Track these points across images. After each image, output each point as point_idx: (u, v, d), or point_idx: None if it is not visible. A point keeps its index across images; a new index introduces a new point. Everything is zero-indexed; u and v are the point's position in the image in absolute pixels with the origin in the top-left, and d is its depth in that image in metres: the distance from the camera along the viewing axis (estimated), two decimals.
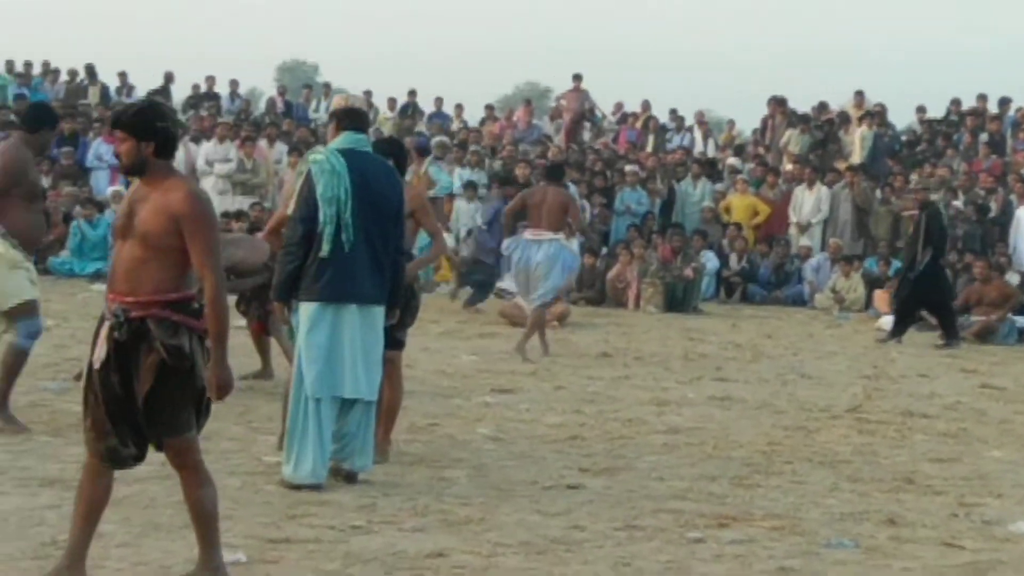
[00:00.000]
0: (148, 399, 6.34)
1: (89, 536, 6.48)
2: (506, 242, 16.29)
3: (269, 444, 9.95)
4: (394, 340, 9.60)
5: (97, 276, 20.39)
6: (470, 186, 24.87)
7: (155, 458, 9.27)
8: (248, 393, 12.06)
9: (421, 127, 30.98)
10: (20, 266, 10.01)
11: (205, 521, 6.53)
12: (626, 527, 8.27)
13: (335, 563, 7.19)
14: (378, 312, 8.90)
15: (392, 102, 32.89)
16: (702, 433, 11.45)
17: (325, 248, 8.69)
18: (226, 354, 6.38)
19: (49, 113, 10.72)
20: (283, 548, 7.40)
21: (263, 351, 12.91)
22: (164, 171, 6.45)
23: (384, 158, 9.23)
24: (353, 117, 9.01)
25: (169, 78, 32.19)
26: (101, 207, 22.13)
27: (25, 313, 10.03)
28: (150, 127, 6.40)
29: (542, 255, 15.73)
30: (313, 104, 32.86)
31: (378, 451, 9.46)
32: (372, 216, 8.74)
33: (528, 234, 15.93)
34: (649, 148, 30.46)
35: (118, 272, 6.46)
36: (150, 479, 8.71)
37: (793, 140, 28.80)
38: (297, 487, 8.64)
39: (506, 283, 21.28)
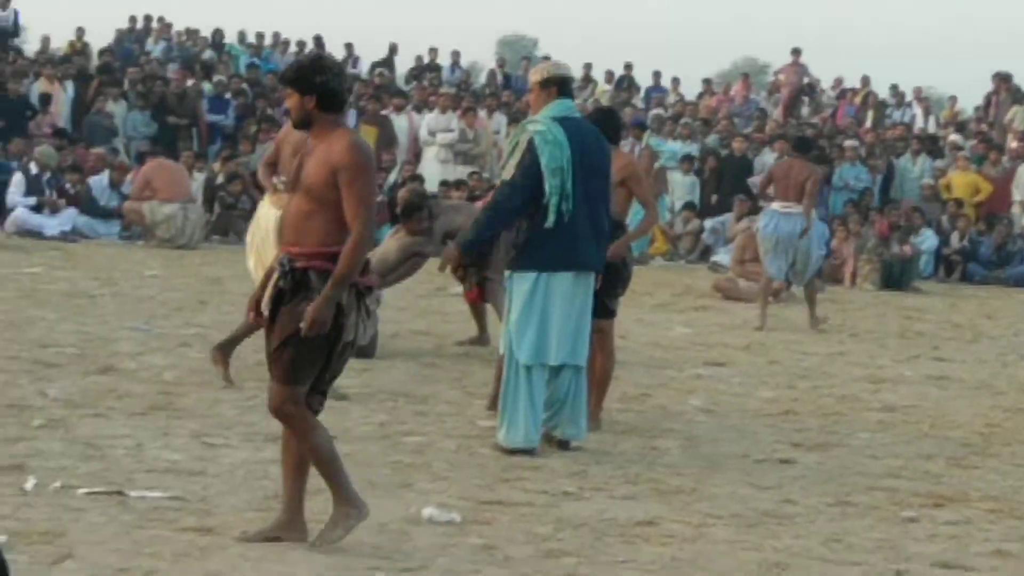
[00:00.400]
0: (282, 342, 6.44)
1: (300, 488, 6.66)
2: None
3: (484, 408, 10.10)
4: (605, 309, 9.68)
5: None
6: (687, 159, 24.81)
7: (375, 418, 9.58)
8: (464, 358, 12.27)
9: (637, 101, 30.94)
10: None
11: (319, 469, 6.61)
12: (838, 503, 8.22)
13: (546, 527, 7.29)
14: (591, 279, 8.96)
15: (609, 75, 32.91)
16: (918, 412, 11.30)
17: (550, 219, 8.71)
18: (337, 297, 6.37)
19: None
20: (496, 510, 7.52)
21: (479, 317, 13.07)
22: (330, 125, 6.54)
23: (592, 125, 9.25)
24: (566, 84, 9.08)
25: (393, 49, 32.63)
26: None
27: None
28: (310, 81, 6.52)
29: (796, 227, 15.81)
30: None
31: (590, 419, 9.55)
32: (590, 184, 8.78)
33: (777, 206, 15.99)
34: (868, 124, 30.02)
35: (287, 224, 6.62)
36: (368, 439, 8.95)
37: (1019, 117, 28.11)
38: (510, 452, 8.76)
39: (720, 257, 21.21)
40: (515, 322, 8.83)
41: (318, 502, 6.86)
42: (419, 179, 21.85)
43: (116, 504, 7.09)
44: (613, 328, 10.01)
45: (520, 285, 8.86)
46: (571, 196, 8.71)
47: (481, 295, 12.99)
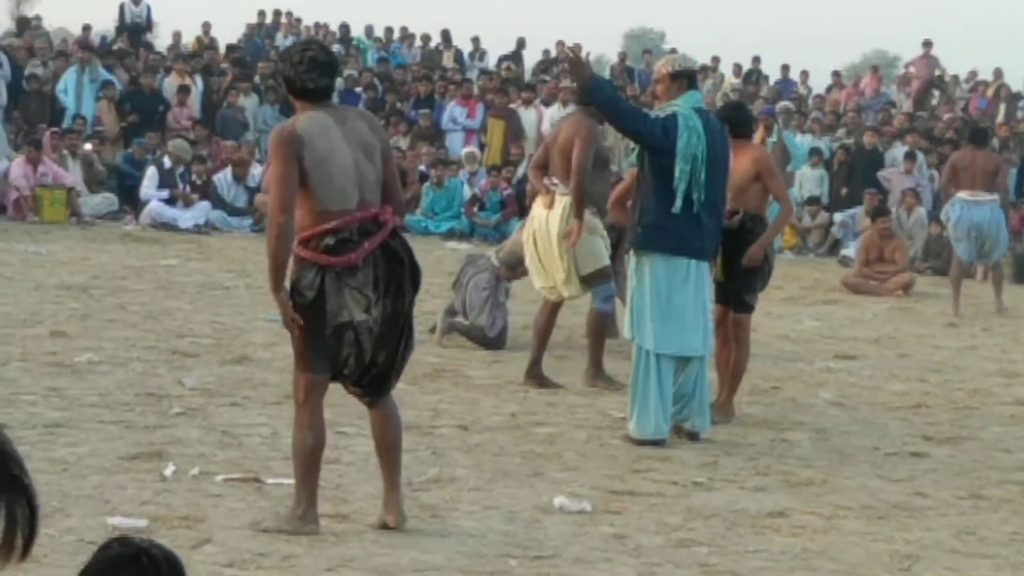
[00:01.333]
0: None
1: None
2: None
3: (614, 399, 10.14)
4: (744, 304, 9.79)
5: (450, 234, 20.97)
6: (815, 153, 24.62)
7: (506, 408, 9.66)
8: None
9: (765, 93, 30.74)
10: (598, 233, 10.54)
11: (293, 463, 6.67)
12: (970, 496, 8.17)
13: (677, 517, 7.32)
14: (708, 268, 9.04)
15: (737, 68, 32.75)
16: None
17: (677, 204, 8.74)
18: (275, 289, 6.50)
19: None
20: (627, 500, 7.56)
21: None
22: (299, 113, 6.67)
23: (719, 120, 9.27)
24: (695, 77, 9.22)
25: (521, 44, 32.71)
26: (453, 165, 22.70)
27: (600, 279, 10.55)
28: (284, 72, 6.69)
29: (985, 216, 16.28)
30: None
31: (721, 412, 9.56)
32: (716, 176, 8.84)
33: (965, 195, 16.30)
34: (1000, 117, 29.58)
35: None
36: (500, 429, 9.03)
37: None
38: (641, 443, 8.80)
39: (849, 251, 21.04)
40: (642, 311, 8.86)
41: (449, 491, 6.92)
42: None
43: (253, 491, 7.23)
44: (749, 322, 10.03)
45: (647, 268, 8.85)
46: (703, 186, 8.73)
47: None
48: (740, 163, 9.64)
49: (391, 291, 6.49)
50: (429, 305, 13.67)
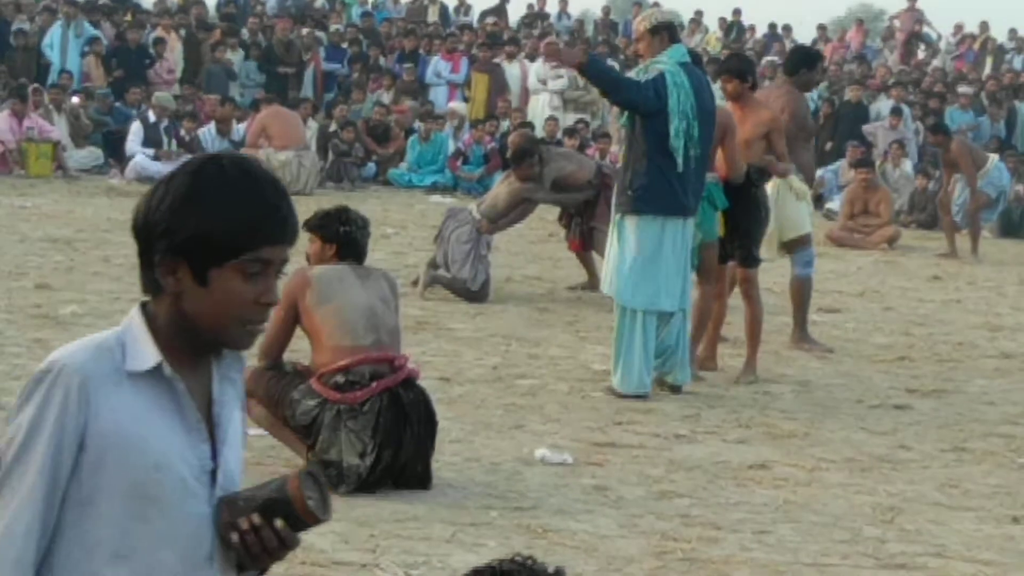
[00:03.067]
0: None
1: None
2: None
3: (597, 352, 10.14)
4: (751, 258, 9.74)
5: (434, 188, 20.92)
6: None
7: (488, 361, 9.66)
8: (576, 303, 12.30)
9: (751, 47, 30.64)
10: (805, 199, 10.62)
11: None
12: (954, 449, 8.19)
13: (659, 469, 7.33)
14: (692, 224, 8.97)
15: (723, 22, 32.64)
16: None
17: (679, 163, 8.65)
18: None
19: (806, 55, 11.43)
20: (608, 452, 7.58)
21: (586, 263, 13.05)
22: None
23: (701, 72, 9.16)
24: (674, 29, 9.12)
25: None
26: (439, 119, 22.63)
27: (801, 244, 10.65)
28: (334, 231, 6.82)
29: None
30: None
31: (747, 370, 9.61)
32: (705, 129, 8.77)
33: None
34: (987, 70, 29.56)
35: None
36: (482, 381, 9.04)
37: None
38: (624, 396, 8.79)
39: (834, 204, 21.03)
40: (629, 269, 8.79)
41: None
42: (529, 125, 21.86)
43: None
44: (757, 276, 9.94)
45: (636, 230, 8.78)
46: (697, 142, 8.66)
47: (583, 244, 12.94)
48: (755, 118, 9.60)
49: (389, 443, 6.46)
50: (412, 258, 13.70)
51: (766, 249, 10.40)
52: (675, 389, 9.06)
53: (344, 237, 6.81)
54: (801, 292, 10.89)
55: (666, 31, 8.95)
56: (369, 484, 6.48)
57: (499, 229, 12.63)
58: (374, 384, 6.46)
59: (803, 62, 10.95)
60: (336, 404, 6.47)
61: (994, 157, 18.96)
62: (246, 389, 6.49)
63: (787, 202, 10.37)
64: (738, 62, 10.27)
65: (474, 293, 11.90)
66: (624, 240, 8.87)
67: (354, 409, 6.46)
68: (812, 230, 10.80)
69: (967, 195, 18.27)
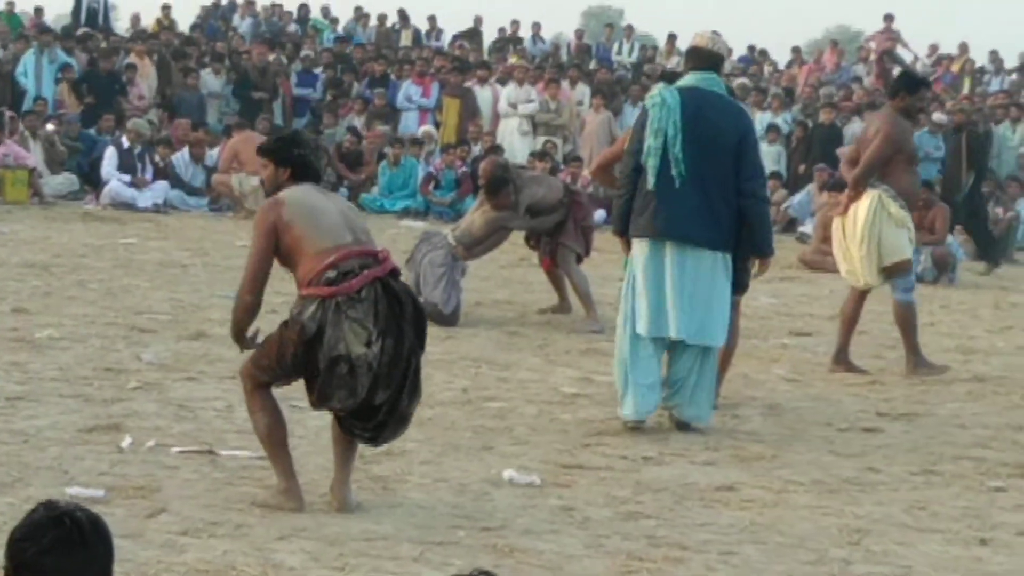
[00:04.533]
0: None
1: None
2: None
3: (566, 376, 10.20)
4: (739, 283, 9.24)
5: (406, 212, 20.96)
6: (772, 129, 24.65)
7: (458, 384, 9.69)
8: (546, 327, 12.35)
9: (728, 70, 30.79)
10: (904, 225, 10.72)
11: (261, 443, 6.82)
12: (923, 472, 8.20)
13: (626, 490, 7.37)
14: (706, 256, 8.62)
15: None
16: (1009, 383, 11.17)
17: (650, 181, 8.56)
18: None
19: (908, 81, 11.55)
20: (576, 473, 7.62)
21: (558, 286, 13.10)
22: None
23: (731, 97, 9.03)
24: (697, 56, 8.87)
25: (478, 22, 32.72)
26: (415, 141, 22.63)
27: (901, 271, 10.80)
28: (288, 153, 6.82)
29: None
30: (616, 46, 32.94)
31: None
32: (706, 154, 8.50)
33: None
34: (965, 91, 29.69)
35: None
36: (451, 403, 9.09)
37: None
38: (625, 424, 8.68)
39: (806, 227, 21.12)
40: (627, 291, 8.73)
41: (400, 464, 6.97)
42: (499, 149, 21.95)
43: (208, 462, 7.28)
44: (740, 304, 9.62)
45: (632, 250, 8.74)
46: (680, 161, 8.48)
47: (553, 263, 12.99)
48: None
49: (391, 330, 6.46)
50: None
51: (867, 274, 10.51)
52: (681, 426, 8.81)
53: (299, 160, 6.82)
54: (906, 319, 11.07)
55: (691, 58, 8.96)
56: (380, 378, 6.42)
57: (474, 256, 12.68)
58: (365, 272, 6.48)
59: (903, 87, 11.05)
60: (334, 297, 6.46)
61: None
62: (253, 384, 6.59)
63: (886, 227, 10.54)
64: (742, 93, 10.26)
65: (445, 317, 11.94)
66: (626, 262, 8.91)
67: (352, 298, 6.45)
68: (911, 256, 10.95)
69: (927, 253, 18.28)
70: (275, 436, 6.68)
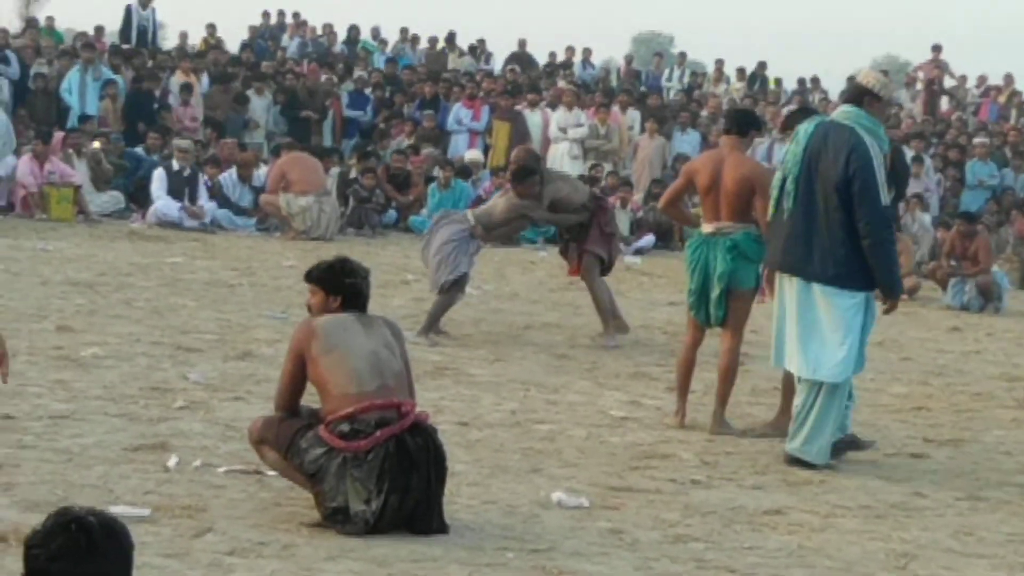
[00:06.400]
0: None
1: None
2: None
3: (615, 399, 10.20)
4: None
5: None
6: None
7: (507, 406, 9.71)
8: (596, 350, 12.34)
9: (779, 99, 30.75)
10: None
11: None
12: (969, 498, 8.20)
13: (674, 513, 7.36)
14: (816, 290, 8.51)
15: (741, 72, 32.74)
16: None
17: (770, 212, 8.75)
18: None
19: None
20: (624, 496, 7.60)
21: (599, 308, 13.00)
22: None
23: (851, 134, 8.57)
24: (847, 89, 8.93)
25: (522, 45, 32.80)
26: (463, 170, 22.67)
27: None
28: (339, 283, 6.86)
29: None
30: (666, 73, 32.99)
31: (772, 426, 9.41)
32: (818, 188, 8.46)
33: None
34: (1012, 121, 29.62)
35: None
36: (500, 425, 9.09)
37: None
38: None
39: None
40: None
41: (449, 485, 6.97)
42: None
43: (254, 482, 7.28)
44: None
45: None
46: (790, 194, 8.51)
47: (578, 271, 13.00)
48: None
49: (397, 487, 6.47)
50: (427, 305, 13.76)
51: None
52: (788, 459, 8.64)
53: (350, 289, 6.86)
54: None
55: (847, 92, 8.93)
56: (379, 530, 6.48)
57: (491, 239, 12.86)
58: (378, 433, 6.47)
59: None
60: (341, 452, 6.50)
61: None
62: (259, 436, 6.65)
63: None
64: (803, 117, 9.86)
65: (447, 284, 12.14)
66: None
67: (358, 457, 6.48)
68: None
69: (972, 283, 18.20)
70: (289, 462, 6.73)
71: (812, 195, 8.47)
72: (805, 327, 8.54)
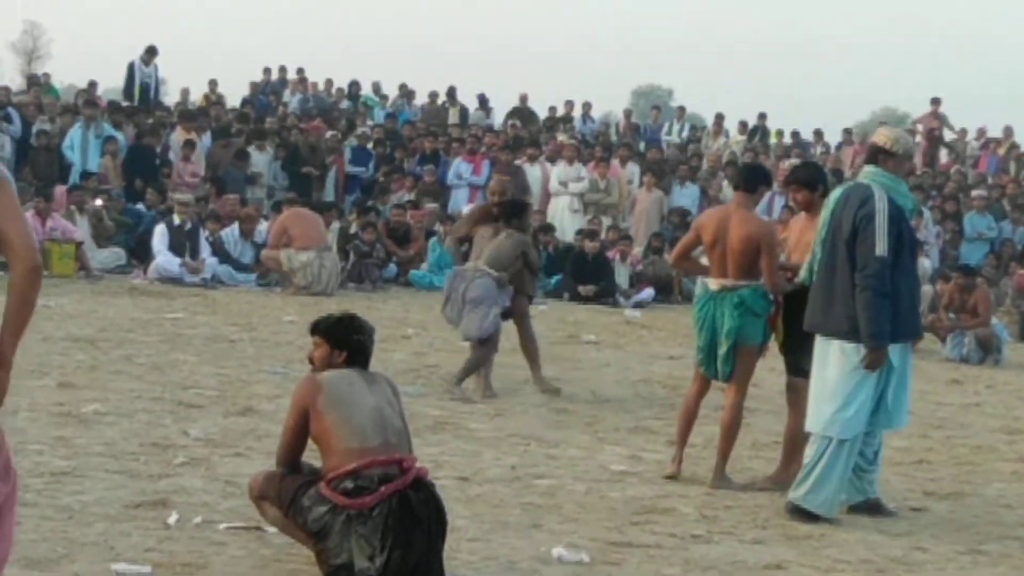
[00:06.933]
0: None
1: None
2: None
3: (615, 453, 10.20)
4: (797, 368, 9.52)
5: None
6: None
7: (507, 461, 9.71)
8: (595, 404, 12.35)
9: (777, 151, 30.89)
10: None
11: None
12: (970, 551, 8.19)
13: (675, 568, 7.36)
14: (831, 344, 8.66)
15: (743, 126, 32.90)
16: None
17: (802, 274, 9.10)
18: None
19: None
20: (625, 551, 7.61)
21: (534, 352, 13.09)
22: None
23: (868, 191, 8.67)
24: (871, 151, 8.92)
25: (524, 99, 32.95)
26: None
27: None
28: (347, 339, 6.90)
29: None
30: (665, 126, 33.13)
31: (780, 478, 9.47)
32: (835, 245, 8.65)
33: None
34: (1011, 173, 29.74)
35: None
36: (500, 480, 9.09)
37: None
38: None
39: None
40: None
41: (449, 541, 6.97)
42: (550, 228, 22.33)
43: (255, 539, 7.28)
44: (805, 387, 9.35)
45: None
46: (816, 255, 8.79)
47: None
48: (816, 224, 9.34)
49: (400, 542, 6.47)
50: (432, 359, 13.82)
51: None
52: (793, 511, 8.73)
53: (357, 345, 6.89)
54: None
55: (868, 153, 9.01)
56: None
57: (506, 279, 12.65)
58: (382, 488, 6.48)
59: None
60: (346, 509, 6.50)
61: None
62: (259, 492, 6.64)
63: None
64: (807, 172, 10.08)
65: (483, 342, 12.14)
66: None
67: (363, 514, 6.48)
68: None
69: (972, 335, 18.23)
70: (291, 519, 6.74)
71: (834, 256, 8.65)
72: (819, 382, 8.70)
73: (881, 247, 8.45)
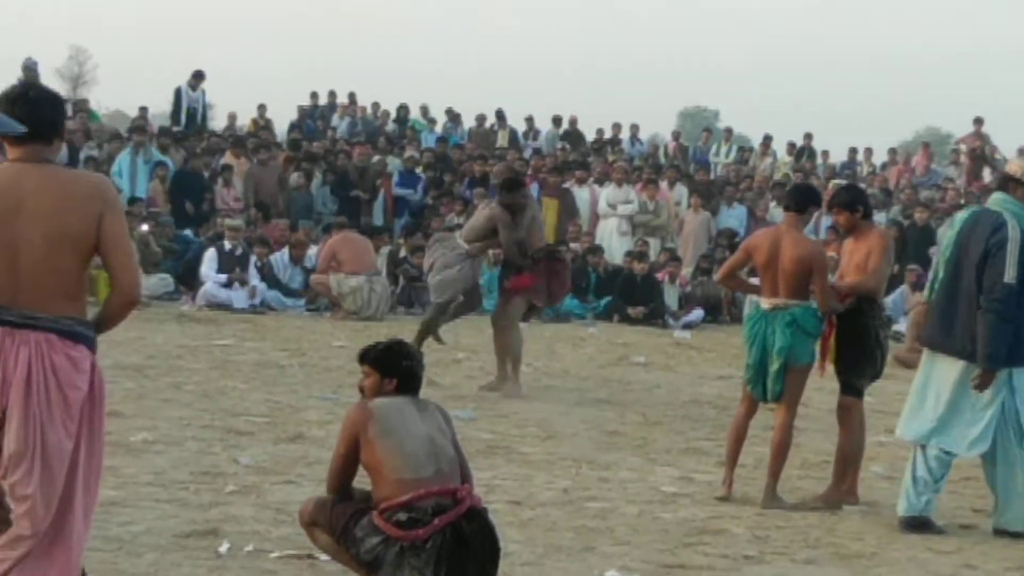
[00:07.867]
0: None
1: None
2: None
3: (666, 475, 10.19)
4: (849, 386, 9.79)
5: None
6: None
7: (559, 484, 9.70)
8: (646, 426, 12.34)
9: (822, 172, 30.82)
10: None
11: None
12: (1019, 568, 8.17)
13: None
14: (955, 365, 8.96)
15: (791, 146, 32.85)
16: None
17: (924, 293, 9.47)
18: None
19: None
20: (678, 573, 7.60)
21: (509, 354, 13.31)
22: None
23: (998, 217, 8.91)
24: (999, 179, 9.30)
25: (573, 122, 33.00)
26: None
27: None
28: (395, 365, 6.84)
29: None
30: (713, 148, 33.11)
31: (832, 498, 9.62)
32: (963, 268, 8.91)
33: None
34: None
35: None
36: (552, 504, 9.08)
37: None
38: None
39: (901, 326, 21.00)
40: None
41: (503, 566, 6.99)
42: (599, 250, 22.36)
43: (307, 567, 7.30)
44: (858, 406, 9.88)
45: None
46: (938, 275, 9.09)
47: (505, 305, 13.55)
48: (865, 246, 9.70)
49: (453, 573, 6.44)
50: (483, 382, 13.81)
51: None
52: (908, 524, 9.03)
53: (406, 371, 6.86)
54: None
55: (999, 180, 9.38)
56: None
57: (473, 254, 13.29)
58: (436, 521, 6.44)
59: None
60: (399, 541, 6.47)
61: None
62: (310, 519, 6.63)
63: None
64: (847, 194, 10.11)
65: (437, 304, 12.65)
66: None
67: (417, 546, 6.44)
68: None
69: None
70: (343, 548, 6.71)
71: (959, 276, 8.92)
72: (944, 402, 8.99)
73: (1011, 274, 8.74)
